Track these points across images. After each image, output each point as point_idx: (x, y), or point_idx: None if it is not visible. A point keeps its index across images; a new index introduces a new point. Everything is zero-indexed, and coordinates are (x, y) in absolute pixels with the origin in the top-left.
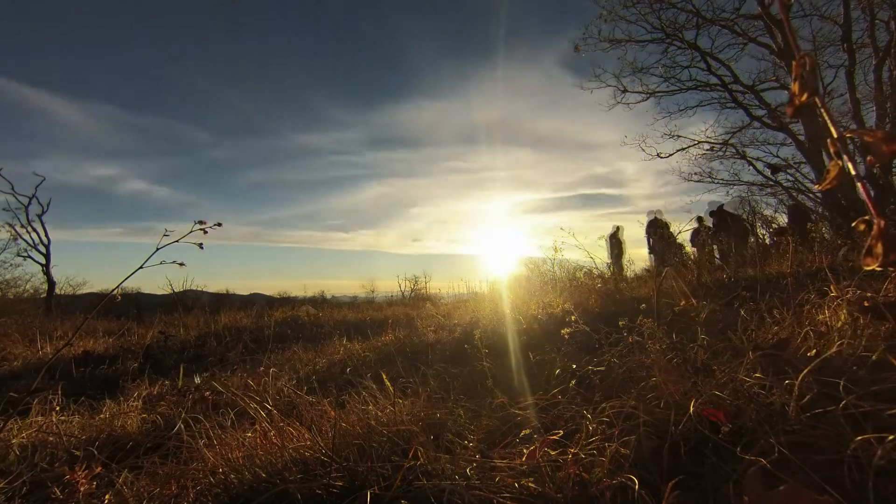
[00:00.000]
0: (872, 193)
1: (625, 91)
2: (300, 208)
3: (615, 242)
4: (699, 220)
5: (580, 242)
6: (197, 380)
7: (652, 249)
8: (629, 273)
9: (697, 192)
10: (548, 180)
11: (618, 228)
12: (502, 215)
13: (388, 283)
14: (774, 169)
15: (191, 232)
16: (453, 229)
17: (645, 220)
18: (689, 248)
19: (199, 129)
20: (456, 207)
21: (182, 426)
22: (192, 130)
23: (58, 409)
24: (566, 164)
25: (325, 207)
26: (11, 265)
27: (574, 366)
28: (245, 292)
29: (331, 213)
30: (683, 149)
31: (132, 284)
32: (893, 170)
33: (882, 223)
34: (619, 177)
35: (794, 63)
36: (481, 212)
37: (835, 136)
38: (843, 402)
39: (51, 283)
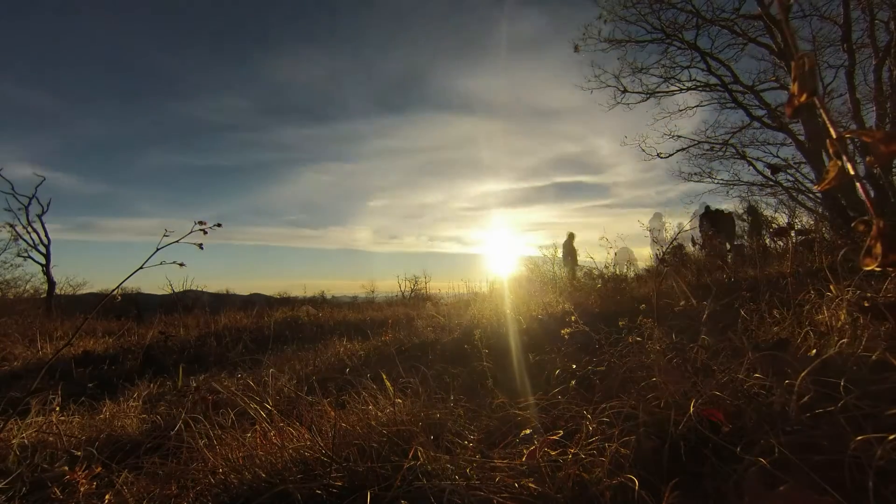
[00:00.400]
0: (872, 193)
1: (625, 91)
2: (244, 201)
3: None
4: (701, 220)
5: (581, 242)
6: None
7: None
8: (629, 273)
9: (683, 180)
10: (512, 164)
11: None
12: (473, 210)
13: (388, 283)
14: (774, 169)
15: (191, 232)
16: (428, 226)
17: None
18: (689, 248)
19: (40, 93)
20: (417, 199)
21: (182, 426)
22: (30, 95)
23: (58, 409)
24: (528, 141)
25: (271, 200)
26: (11, 265)
27: (574, 366)
28: (245, 292)
29: (284, 207)
30: (684, 149)
31: (132, 285)
32: (893, 170)
33: (882, 223)
34: (595, 159)
35: (793, 63)
36: (449, 206)
37: (835, 136)
38: (843, 402)
39: (51, 283)
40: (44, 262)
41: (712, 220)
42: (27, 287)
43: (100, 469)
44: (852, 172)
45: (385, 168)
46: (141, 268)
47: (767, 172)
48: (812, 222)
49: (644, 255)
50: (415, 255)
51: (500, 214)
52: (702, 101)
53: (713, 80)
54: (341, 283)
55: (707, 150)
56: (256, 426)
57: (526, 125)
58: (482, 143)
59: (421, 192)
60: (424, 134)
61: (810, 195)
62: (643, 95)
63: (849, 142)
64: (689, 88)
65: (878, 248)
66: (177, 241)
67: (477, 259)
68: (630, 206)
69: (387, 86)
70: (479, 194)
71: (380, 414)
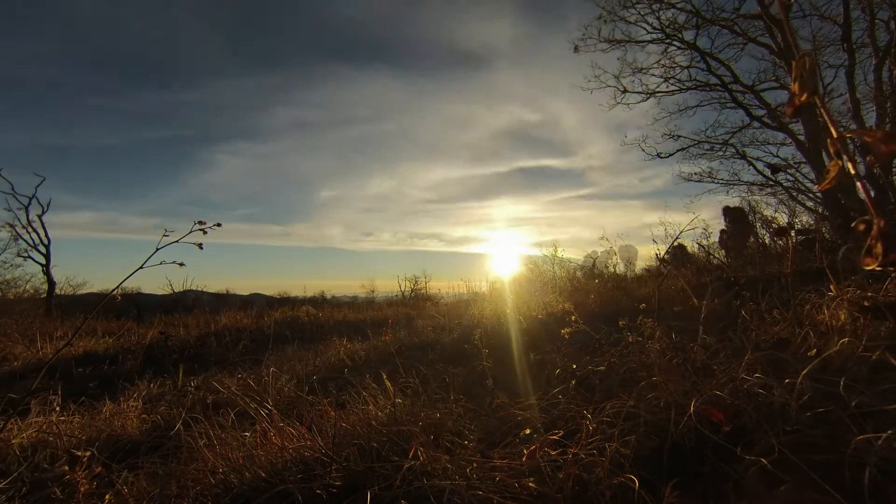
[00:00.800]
0: (872, 193)
1: (625, 91)
2: (175, 192)
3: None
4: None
5: (571, 240)
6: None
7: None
8: (629, 273)
9: (665, 165)
10: (458, 139)
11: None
12: (439, 203)
13: (388, 283)
14: (774, 169)
15: (190, 232)
16: (397, 221)
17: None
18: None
19: None
20: (368, 190)
21: (182, 426)
22: None
23: (58, 409)
24: (464, 105)
25: (202, 190)
26: (12, 265)
27: (574, 365)
28: (245, 292)
29: (225, 200)
30: (684, 149)
31: (132, 284)
32: (894, 170)
33: (882, 223)
34: (560, 134)
35: (793, 63)
36: (407, 197)
37: (835, 136)
38: (843, 402)
39: (51, 283)
40: (44, 262)
41: (734, 217)
42: (27, 287)
43: (100, 469)
44: (853, 172)
45: (306, 148)
46: (141, 268)
47: (767, 172)
48: (812, 222)
49: (643, 255)
50: (398, 253)
51: (473, 210)
52: (702, 101)
53: (713, 80)
54: (341, 284)
55: (707, 150)
56: (256, 426)
57: (455, 80)
58: (408, 109)
59: (367, 179)
60: (330, 99)
61: (810, 195)
62: (643, 95)
63: (849, 141)
64: (689, 88)
65: (879, 248)
66: (176, 242)
67: (466, 258)
68: (612, 196)
69: (268, 39)
70: (435, 182)
71: (380, 414)
